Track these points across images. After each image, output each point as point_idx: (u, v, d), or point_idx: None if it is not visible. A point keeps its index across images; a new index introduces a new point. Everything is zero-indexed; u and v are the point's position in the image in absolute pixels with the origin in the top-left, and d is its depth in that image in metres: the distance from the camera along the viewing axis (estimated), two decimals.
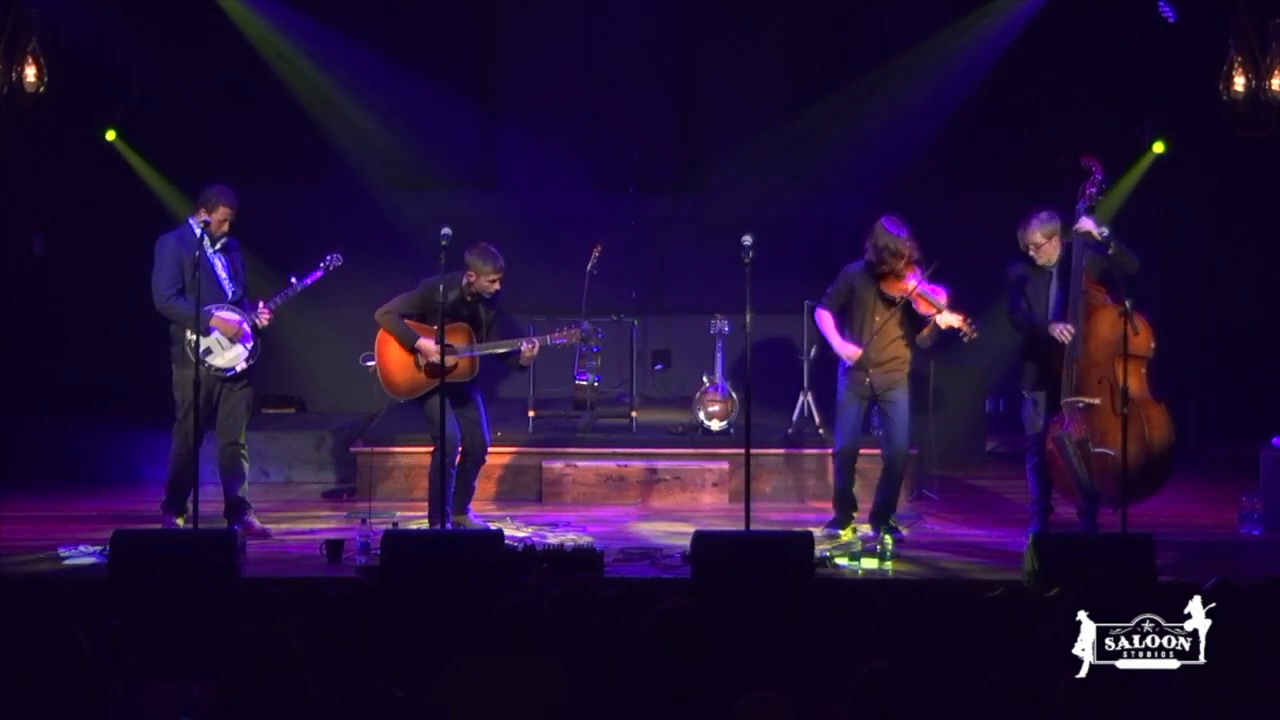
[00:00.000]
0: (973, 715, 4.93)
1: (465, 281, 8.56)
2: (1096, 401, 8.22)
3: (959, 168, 11.89)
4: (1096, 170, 8.30)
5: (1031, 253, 8.43)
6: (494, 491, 9.88)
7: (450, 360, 8.48)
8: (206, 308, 8.34)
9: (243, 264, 8.80)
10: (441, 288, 8.17)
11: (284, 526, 8.92)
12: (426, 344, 8.50)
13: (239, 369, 8.60)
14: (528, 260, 11.09)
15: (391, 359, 8.68)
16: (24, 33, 9.64)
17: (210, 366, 8.42)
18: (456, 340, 8.53)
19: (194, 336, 8.37)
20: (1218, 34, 9.75)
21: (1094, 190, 8.28)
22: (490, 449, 9.14)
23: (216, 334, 8.52)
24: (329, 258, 8.75)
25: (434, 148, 11.96)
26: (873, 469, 9.93)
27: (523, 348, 8.58)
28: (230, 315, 8.54)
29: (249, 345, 8.61)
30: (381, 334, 8.69)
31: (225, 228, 8.61)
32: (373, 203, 11.93)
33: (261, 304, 8.66)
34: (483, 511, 9.19)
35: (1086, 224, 8.21)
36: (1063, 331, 8.22)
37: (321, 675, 5.13)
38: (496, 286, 8.57)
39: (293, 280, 8.66)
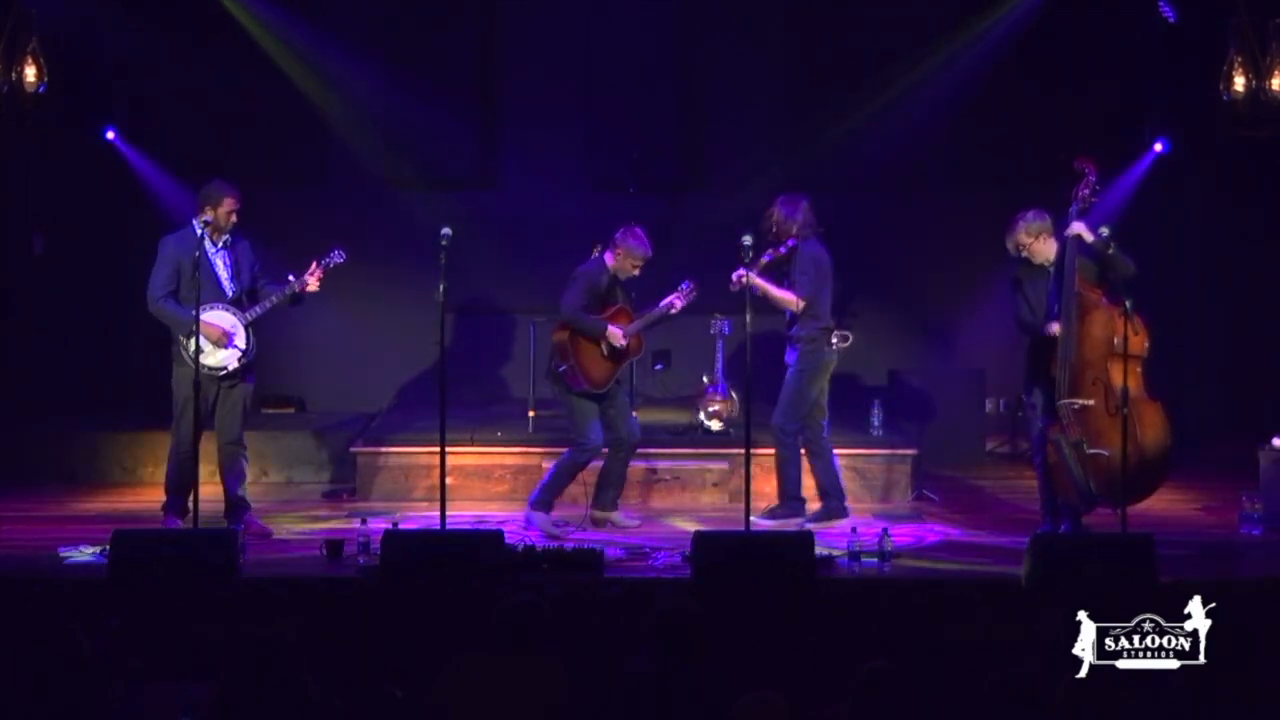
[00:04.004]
0: (973, 715, 4.93)
1: (612, 263, 8.91)
2: (1091, 403, 8.22)
3: (959, 167, 11.89)
4: (1090, 172, 8.30)
5: (1023, 254, 8.44)
6: (494, 491, 9.87)
7: (625, 341, 8.85)
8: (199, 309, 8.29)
9: (251, 259, 8.79)
10: (442, 288, 8.14)
11: (284, 526, 8.92)
12: (614, 330, 8.80)
13: (231, 368, 8.59)
14: (528, 260, 11.13)
15: (587, 355, 8.86)
16: (24, 33, 9.64)
17: (203, 366, 8.42)
18: (624, 321, 8.90)
19: (185, 337, 8.39)
20: (1218, 34, 9.75)
21: (1087, 192, 8.28)
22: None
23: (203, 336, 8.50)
24: (333, 253, 8.78)
25: (434, 148, 11.95)
26: (871, 469, 9.95)
27: (676, 307, 9.01)
28: (216, 320, 8.50)
29: (239, 347, 8.59)
30: (570, 336, 8.82)
31: (233, 219, 8.61)
32: (373, 203, 11.93)
33: (314, 263, 8.70)
34: (484, 511, 9.19)
35: (1077, 227, 8.21)
36: (1051, 329, 8.25)
37: (321, 675, 5.13)
38: (637, 273, 8.96)
39: (323, 260, 8.75)
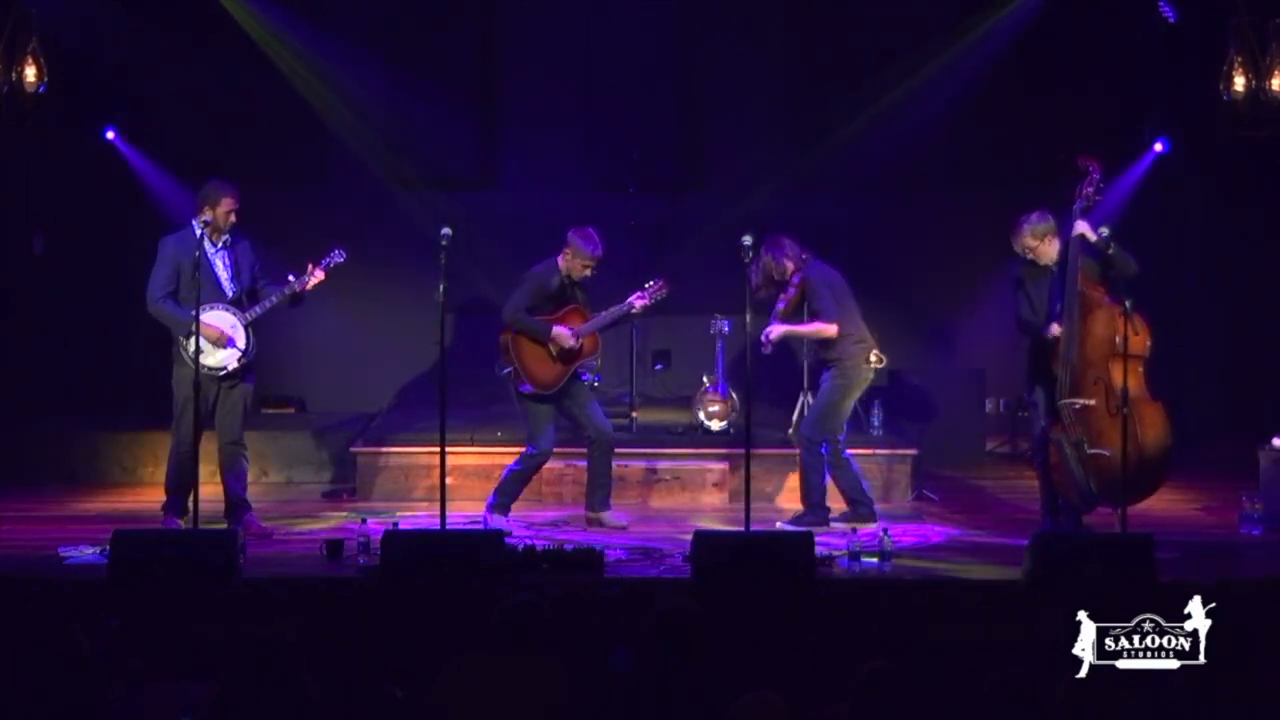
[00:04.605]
0: (973, 715, 4.93)
1: (563, 264, 8.90)
2: (1092, 402, 8.22)
3: (959, 167, 11.89)
4: (1094, 170, 8.30)
5: (1028, 255, 8.44)
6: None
7: (576, 342, 8.84)
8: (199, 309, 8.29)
9: (251, 259, 8.78)
10: (442, 288, 8.16)
11: (284, 526, 8.92)
12: (560, 331, 8.79)
13: (230, 368, 8.59)
14: (528, 260, 11.10)
15: (530, 356, 8.88)
16: (24, 33, 9.64)
17: (203, 366, 8.42)
18: (576, 321, 8.89)
19: (185, 338, 8.40)
20: (1218, 34, 9.74)
21: (1090, 190, 8.28)
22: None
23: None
24: (334, 253, 8.78)
25: (434, 148, 11.95)
26: (871, 469, 9.96)
27: (636, 305, 8.98)
28: (215, 320, 8.50)
29: (239, 347, 8.59)
30: (513, 337, 8.87)
31: (232, 219, 8.61)
32: (373, 203, 11.93)
33: (310, 265, 8.70)
34: (480, 512, 9.19)
35: (1081, 227, 8.21)
36: (1052, 331, 8.25)
37: (321, 675, 5.13)
38: (589, 273, 8.92)
39: (323, 260, 8.76)
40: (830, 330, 8.83)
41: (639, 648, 5.40)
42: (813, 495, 8.94)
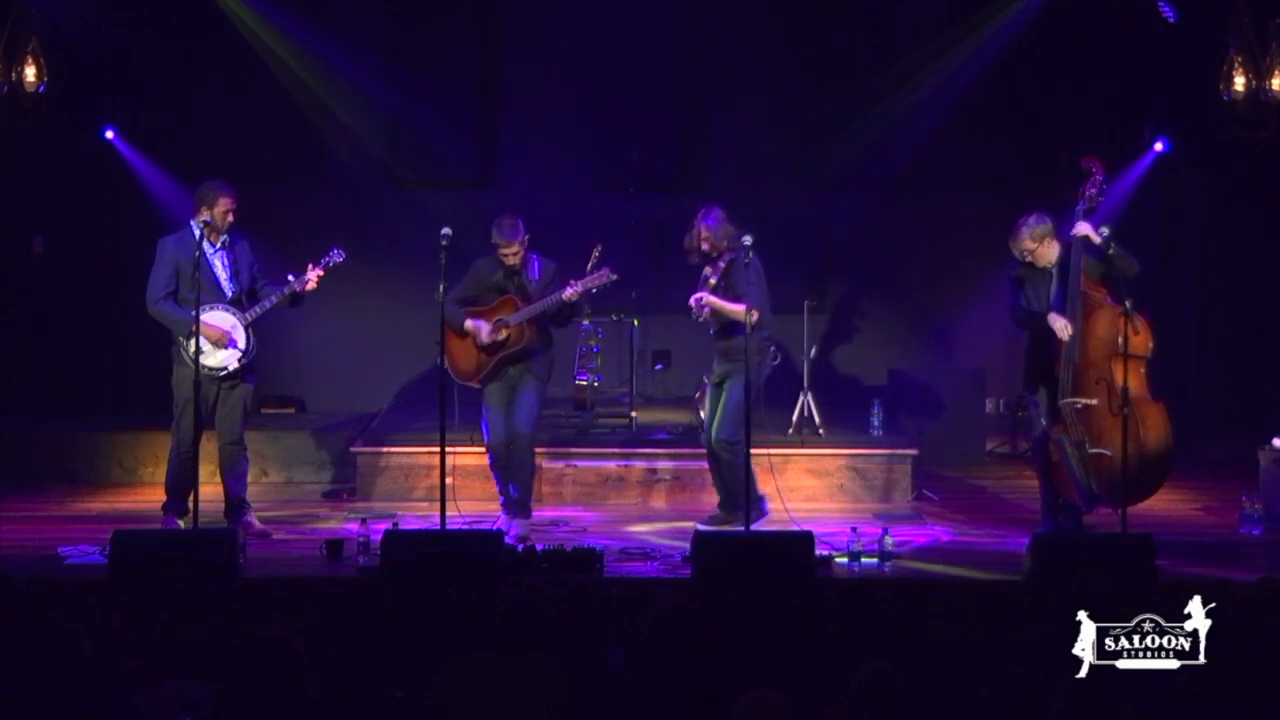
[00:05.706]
0: (972, 716, 4.93)
1: (498, 255, 8.77)
2: (1094, 402, 8.22)
3: (959, 168, 11.89)
4: (1097, 171, 8.30)
5: (1027, 259, 8.42)
6: (494, 491, 9.85)
7: (503, 333, 8.69)
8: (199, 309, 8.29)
9: (250, 259, 8.79)
10: (442, 288, 8.17)
11: (284, 526, 8.92)
12: (474, 325, 8.68)
13: (231, 368, 8.59)
14: None
15: (456, 346, 8.81)
16: (24, 33, 9.64)
17: (204, 366, 8.42)
18: (506, 311, 8.74)
19: (185, 338, 8.40)
20: (1218, 34, 9.75)
21: (1093, 191, 8.29)
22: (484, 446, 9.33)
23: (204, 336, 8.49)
24: (332, 252, 8.78)
25: (434, 148, 11.94)
26: (871, 469, 9.96)
27: (565, 294, 8.67)
28: (216, 320, 8.50)
29: (239, 347, 8.59)
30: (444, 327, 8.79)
31: (230, 219, 8.61)
32: (373, 203, 11.92)
33: (310, 265, 8.68)
34: (482, 511, 9.18)
35: (1083, 228, 8.21)
36: (1063, 326, 8.20)
37: (321, 675, 5.13)
38: (511, 260, 8.71)
39: (322, 259, 8.75)
40: (752, 316, 8.43)
41: (635, 647, 5.40)
42: (740, 491, 8.48)
